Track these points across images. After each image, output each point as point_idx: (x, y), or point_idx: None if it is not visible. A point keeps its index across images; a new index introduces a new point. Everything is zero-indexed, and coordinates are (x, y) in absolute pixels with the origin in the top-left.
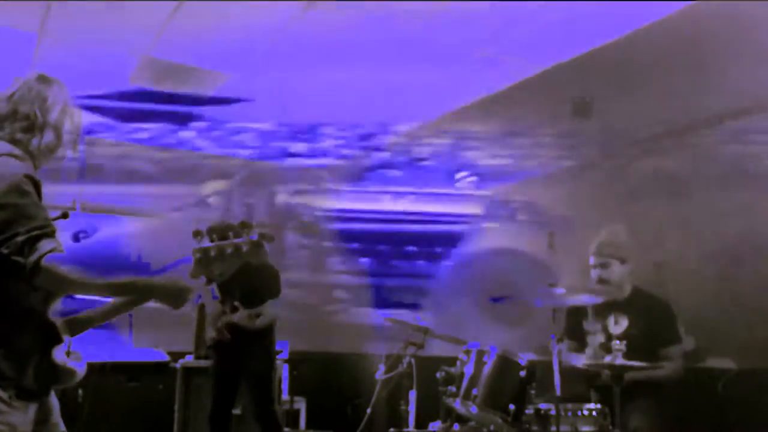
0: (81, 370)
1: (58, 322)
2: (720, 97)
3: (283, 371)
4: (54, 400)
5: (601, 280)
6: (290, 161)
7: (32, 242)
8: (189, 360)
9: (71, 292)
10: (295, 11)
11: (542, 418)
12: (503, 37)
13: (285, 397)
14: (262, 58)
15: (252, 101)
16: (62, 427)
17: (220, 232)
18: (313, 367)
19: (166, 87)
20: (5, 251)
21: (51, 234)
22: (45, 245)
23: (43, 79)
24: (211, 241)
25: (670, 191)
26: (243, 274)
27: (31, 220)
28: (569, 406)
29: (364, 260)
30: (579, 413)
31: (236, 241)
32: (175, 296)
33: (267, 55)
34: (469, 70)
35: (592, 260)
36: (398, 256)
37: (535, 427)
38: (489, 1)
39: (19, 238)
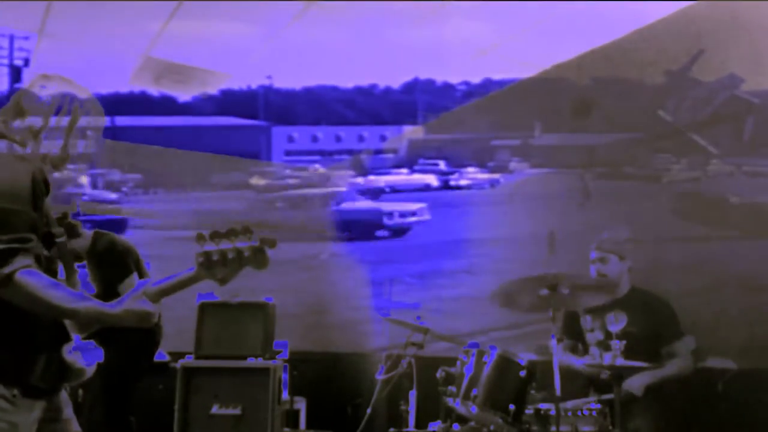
0: (90, 369)
1: (67, 321)
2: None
3: (283, 371)
4: (64, 396)
5: (600, 275)
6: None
7: (9, 254)
8: (189, 360)
9: (37, 311)
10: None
11: (542, 418)
12: (503, 37)
13: (285, 397)
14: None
15: None
16: (76, 425)
17: (222, 236)
18: (313, 367)
19: (166, 87)
20: None
21: (29, 249)
22: (20, 260)
23: (45, 78)
24: (214, 244)
25: (670, 191)
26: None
27: (16, 230)
28: (569, 406)
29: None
30: (579, 413)
31: (239, 245)
32: (139, 321)
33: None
34: (470, 70)
35: (592, 255)
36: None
37: (535, 427)
38: (489, 0)
39: None
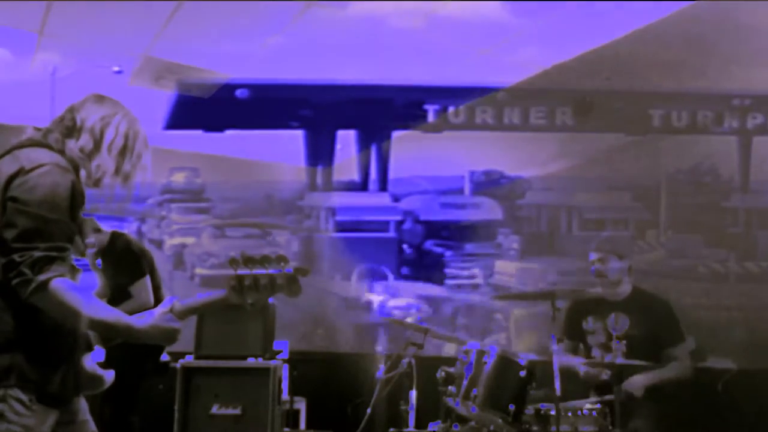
0: (109, 378)
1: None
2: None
3: (283, 371)
4: (82, 400)
5: (599, 274)
6: None
7: (46, 262)
8: (189, 360)
9: (66, 320)
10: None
11: (542, 418)
12: (504, 37)
13: (285, 397)
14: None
15: None
16: (92, 425)
17: (256, 261)
18: (313, 367)
19: (166, 87)
20: (18, 259)
21: (65, 258)
22: (56, 269)
23: (98, 98)
24: (247, 269)
25: (671, 190)
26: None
27: (53, 239)
28: (569, 406)
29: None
30: (579, 413)
31: (272, 272)
32: (165, 338)
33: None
34: (470, 70)
35: (592, 256)
36: None
37: (535, 427)
38: (490, 0)
39: (36, 254)
